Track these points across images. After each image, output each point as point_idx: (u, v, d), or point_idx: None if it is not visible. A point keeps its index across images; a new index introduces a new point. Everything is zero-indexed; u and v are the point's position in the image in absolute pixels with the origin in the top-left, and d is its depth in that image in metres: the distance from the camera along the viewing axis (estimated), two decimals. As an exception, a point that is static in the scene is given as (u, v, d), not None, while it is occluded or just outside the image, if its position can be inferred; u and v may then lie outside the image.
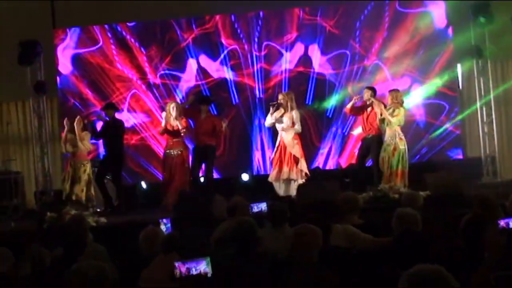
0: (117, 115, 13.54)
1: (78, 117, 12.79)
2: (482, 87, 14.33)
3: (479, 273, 4.91)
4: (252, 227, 5.93)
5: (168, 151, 12.97)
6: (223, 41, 15.27)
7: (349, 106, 12.98)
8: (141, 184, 14.69)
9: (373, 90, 12.99)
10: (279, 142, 12.58)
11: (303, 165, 12.49)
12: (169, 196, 12.60)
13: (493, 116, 14.30)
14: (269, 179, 12.64)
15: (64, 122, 12.72)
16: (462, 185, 10.98)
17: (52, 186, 14.59)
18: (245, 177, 14.41)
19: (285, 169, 12.37)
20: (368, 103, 12.78)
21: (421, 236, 6.20)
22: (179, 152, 12.90)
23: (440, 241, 6.27)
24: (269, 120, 12.67)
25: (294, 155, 12.44)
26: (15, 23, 14.66)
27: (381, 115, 12.35)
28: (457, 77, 15.09)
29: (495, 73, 14.97)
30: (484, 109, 14.35)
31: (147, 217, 11.64)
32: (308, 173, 12.57)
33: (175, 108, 12.87)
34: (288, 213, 7.13)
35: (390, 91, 12.81)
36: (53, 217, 11.07)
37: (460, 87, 15.16)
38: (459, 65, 15.07)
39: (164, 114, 13.04)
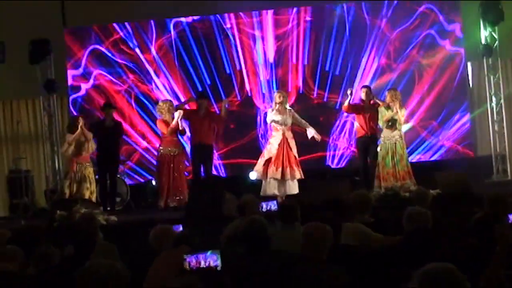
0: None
1: (80, 118, 12.76)
2: (492, 86, 14.31)
3: (489, 270, 4.89)
4: (262, 225, 5.93)
5: (169, 149, 12.82)
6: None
7: (346, 104, 12.86)
8: (151, 183, 14.69)
9: (370, 89, 12.98)
10: (281, 140, 12.40)
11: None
12: (169, 196, 12.57)
13: (503, 115, 14.29)
14: (261, 176, 12.45)
15: (79, 121, 12.58)
16: (472, 184, 10.97)
17: (62, 184, 14.64)
18: (252, 175, 14.40)
19: (288, 168, 12.27)
20: (368, 103, 12.76)
21: (432, 235, 6.18)
22: (178, 152, 12.84)
23: (451, 239, 6.26)
24: (273, 117, 12.47)
25: (295, 156, 12.42)
26: (26, 22, 14.68)
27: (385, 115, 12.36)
28: (468, 75, 15.07)
29: (506, 71, 14.92)
30: (494, 107, 14.34)
31: (157, 215, 11.68)
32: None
33: (169, 108, 12.85)
34: (299, 211, 7.12)
35: (389, 90, 12.83)
36: (63, 216, 11.08)
37: (471, 86, 15.13)
38: (469, 64, 15.05)
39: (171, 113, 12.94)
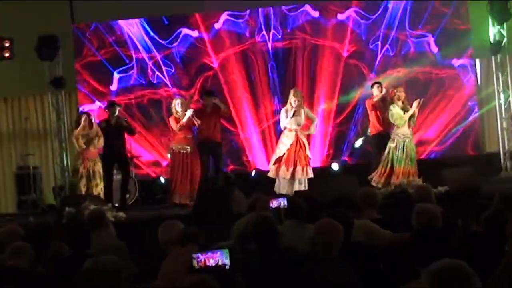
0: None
1: (84, 115, 12.74)
2: (500, 83, 14.30)
3: (500, 266, 4.89)
4: (272, 222, 5.93)
5: (178, 146, 12.77)
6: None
7: (376, 99, 12.86)
8: (159, 179, 14.71)
9: (381, 84, 12.97)
10: (294, 141, 12.34)
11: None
12: (185, 193, 12.54)
13: (511, 112, 14.27)
14: (274, 175, 12.43)
15: (83, 118, 12.58)
16: (480, 180, 10.96)
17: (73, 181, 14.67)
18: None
19: (298, 168, 12.25)
20: (381, 98, 12.75)
21: (441, 232, 6.18)
22: (193, 149, 12.80)
23: (460, 236, 6.26)
24: (287, 120, 12.39)
25: (307, 155, 12.42)
26: (35, 18, 14.71)
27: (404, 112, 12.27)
28: (476, 72, 15.05)
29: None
30: (502, 104, 14.33)
31: (166, 211, 11.69)
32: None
33: (180, 104, 12.81)
34: (306, 208, 7.11)
35: (397, 87, 12.75)
36: (71, 212, 11.10)
37: (479, 83, 15.11)
38: (477, 61, 15.03)
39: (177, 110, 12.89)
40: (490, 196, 7.12)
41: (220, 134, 13.33)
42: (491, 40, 14.27)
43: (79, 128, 12.42)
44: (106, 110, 13.36)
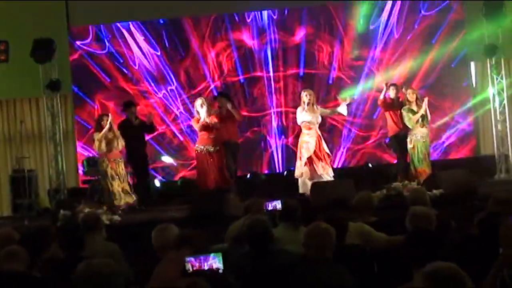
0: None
1: (106, 115, 12.69)
2: (495, 85, 14.31)
3: (493, 269, 4.89)
4: (266, 225, 5.93)
5: (202, 147, 12.69)
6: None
7: (381, 97, 13.00)
8: (154, 182, 14.71)
9: (398, 86, 13.07)
10: (317, 138, 12.38)
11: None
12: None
13: (507, 114, 14.29)
14: (299, 175, 12.41)
15: (105, 120, 12.47)
16: (475, 183, 10.97)
17: (65, 184, 14.66)
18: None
19: (320, 166, 12.26)
20: (396, 99, 12.83)
21: (435, 235, 6.18)
22: (217, 149, 12.71)
23: (454, 238, 6.26)
24: (304, 118, 12.44)
25: (327, 152, 12.44)
26: (30, 21, 14.70)
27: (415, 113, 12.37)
28: (471, 75, 15.06)
29: (509, 71, 14.91)
30: (497, 107, 14.34)
31: (163, 215, 11.67)
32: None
33: (202, 104, 12.72)
34: (300, 210, 7.11)
35: (408, 89, 12.85)
36: (66, 215, 11.09)
37: (474, 85, 15.12)
38: (472, 63, 15.05)
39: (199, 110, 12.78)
40: (485, 199, 7.13)
41: (237, 134, 13.43)
42: (486, 42, 14.27)
43: (103, 131, 12.41)
44: (124, 111, 13.39)
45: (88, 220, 7.87)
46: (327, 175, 12.25)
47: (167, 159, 15.20)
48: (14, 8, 14.83)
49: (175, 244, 6.22)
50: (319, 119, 12.48)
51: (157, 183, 14.69)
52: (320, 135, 12.45)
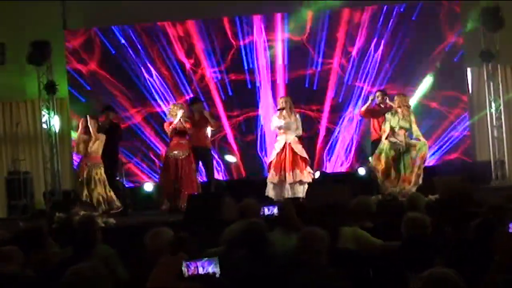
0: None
1: (89, 117, 12.57)
2: (492, 92, 14.33)
3: (488, 276, 4.90)
4: (261, 229, 5.93)
5: (173, 152, 12.73)
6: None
7: (364, 108, 13.00)
8: (143, 187, 14.67)
9: (385, 92, 13.01)
10: (284, 145, 12.40)
11: (309, 167, 12.49)
12: (180, 199, 12.49)
13: (503, 120, 14.31)
14: (272, 181, 12.40)
15: (80, 122, 12.40)
16: (471, 189, 10.96)
17: (61, 186, 14.65)
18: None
19: (296, 171, 12.26)
20: (383, 106, 12.77)
21: (430, 241, 6.19)
22: (187, 154, 12.77)
23: (449, 244, 6.26)
24: (277, 123, 12.52)
25: (303, 157, 12.40)
26: (27, 23, 14.70)
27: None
28: (467, 81, 15.07)
29: (505, 77, 14.92)
30: (494, 113, 14.36)
31: (156, 218, 11.66)
32: (313, 174, 12.58)
33: (180, 110, 12.77)
34: (295, 215, 7.10)
35: (398, 94, 12.61)
36: (62, 218, 11.06)
37: (470, 91, 15.13)
38: (469, 69, 15.05)
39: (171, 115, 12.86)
40: (481, 205, 7.14)
41: (209, 141, 13.32)
42: (483, 49, 14.29)
43: (77, 133, 12.38)
44: (101, 113, 13.28)
45: (83, 222, 7.86)
46: (302, 182, 12.28)
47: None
48: (11, 11, 14.83)
49: (170, 248, 6.21)
50: (292, 126, 12.45)
51: (148, 187, 14.61)
52: (292, 143, 12.40)
